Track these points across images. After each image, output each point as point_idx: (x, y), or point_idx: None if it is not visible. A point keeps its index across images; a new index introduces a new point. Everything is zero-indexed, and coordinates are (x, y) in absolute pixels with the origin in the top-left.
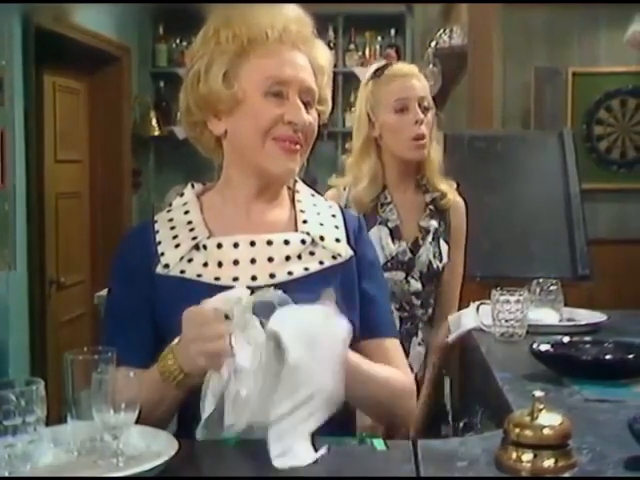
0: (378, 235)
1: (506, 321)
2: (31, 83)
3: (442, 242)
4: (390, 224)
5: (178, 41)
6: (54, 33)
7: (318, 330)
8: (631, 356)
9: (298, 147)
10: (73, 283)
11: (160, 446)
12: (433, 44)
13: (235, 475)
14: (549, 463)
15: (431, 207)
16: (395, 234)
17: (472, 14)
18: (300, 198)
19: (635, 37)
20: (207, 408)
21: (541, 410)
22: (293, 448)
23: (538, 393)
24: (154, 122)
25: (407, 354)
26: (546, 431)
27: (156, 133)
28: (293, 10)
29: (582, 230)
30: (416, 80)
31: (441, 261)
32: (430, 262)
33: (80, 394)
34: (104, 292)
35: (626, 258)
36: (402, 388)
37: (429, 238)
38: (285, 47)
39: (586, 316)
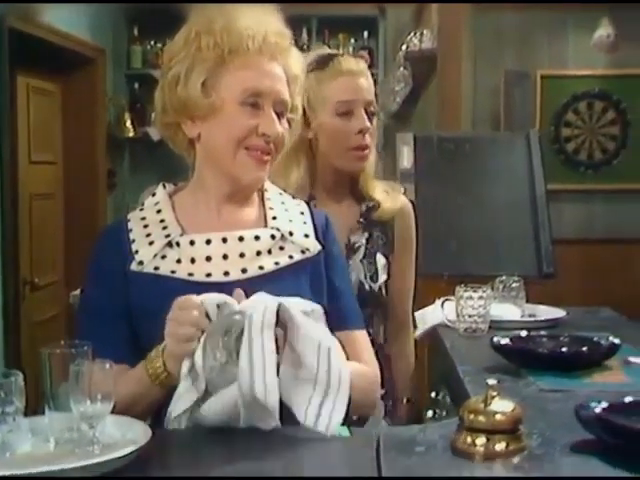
0: None
1: (469, 317)
2: (5, 84)
3: (380, 258)
4: None
5: (153, 43)
6: (28, 35)
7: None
8: (584, 349)
9: (269, 157)
10: (47, 284)
11: (135, 435)
12: (404, 47)
13: (208, 462)
14: (501, 447)
15: (362, 219)
16: None
17: (442, 18)
18: (269, 196)
19: (602, 41)
20: (172, 404)
21: (494, 397)
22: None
23: (491, 381)
24: (129, 123)
25: None
26: (498, 417)
27: (131, 134)
28: (273, 21)
29: (547, 230)
30: (364, 80)
31: (376, 281)
32: (361, 284)
33: (57, 387)
34: (78, 292)
35: (592, 258)
36: (367, 382)
37: (359, 256)
38: (264, 58)
39: (546, 312)
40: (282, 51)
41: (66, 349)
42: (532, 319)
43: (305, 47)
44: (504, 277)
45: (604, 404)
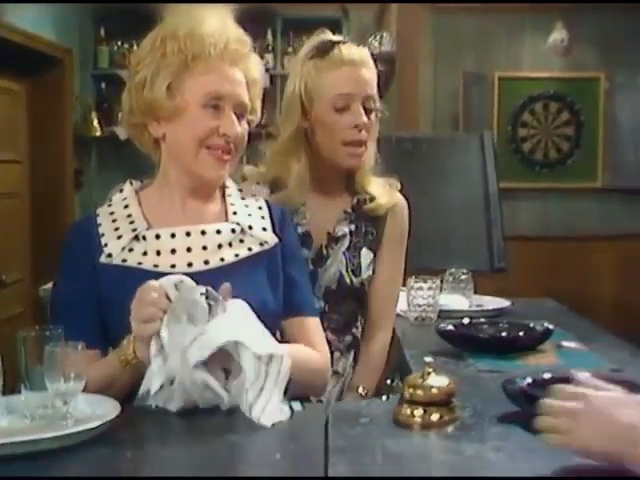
0: None
1: (419, 306)
2: None
3: (366, 253)
4: (300, 229)
5: (120, 43)
6: None
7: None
8: (521, 334)
9: (229, 157)
10: (14, 281)
11: (105, 410)
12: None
13: (176, 434)
14: (436, 417)
15: (350, 210)
16: (303, 241)
17: (400, 22)
18: (230, 193)
19: (556, 44)
20: (145, 382)
21: (430, 373)
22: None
23: (428, 359)
24: (96, 123)
25: None
26: (434, 390)
27: (98, 134)
28: (234, 29)
29: (499, 226)
30: (366, 71)
31: (359, 275)
32: (341, 276)
33: (32, 368)
34: (49, 285)
35: (547, 254)
36: (315, 367)
37: (341, 247)
38: (225, 64)
39: (492, 302)
40: (242, 57)
41: (40, 332)
42: (478, 308)
43: (270, 48)
44: (453, 270)
45: (528, 379)
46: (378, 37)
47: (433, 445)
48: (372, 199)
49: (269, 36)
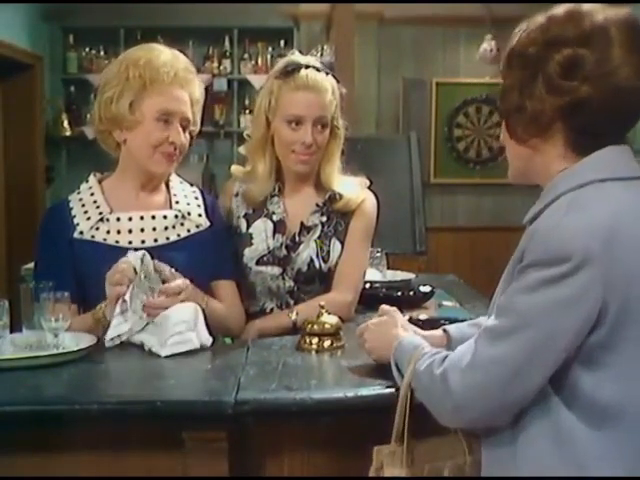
0: (263, 228)
1: None
2: None
3: (335, 242)
4: (275, 217)
5: (87, 50)
6: None
7: None
8: (411, 293)
9: (175, 157)
10: None
11: (85, 342)
12: None
13: (132, 357)
14: (327, 344)
15: (320, 204)
16: (279, 228)
17: (337, 37)
18: (173, 185)
19: (485, 54)
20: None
21: (323, 314)
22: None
23: (322, 303)
24: (65, 123)
25: None
26: (326, 325)
27: (67, 133)
28: (182, 60)
29: (421, 216)
30: (318, 95)
31: (326, 262)
32: (311, 261)
33: (30, 312)
34: (29, 265)
35: (480, 243)
36: (219, 314)
37: (313, 235)
38: (174, 87)
39: (400, 275)
40: (188, 82)
41: (36, 285)
42: (388, 279)
43: (227, 54)
44: (370, 249)
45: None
46: (320, 48)
47: (321, 360)
48: (340, 197)
49: (227, 43)
